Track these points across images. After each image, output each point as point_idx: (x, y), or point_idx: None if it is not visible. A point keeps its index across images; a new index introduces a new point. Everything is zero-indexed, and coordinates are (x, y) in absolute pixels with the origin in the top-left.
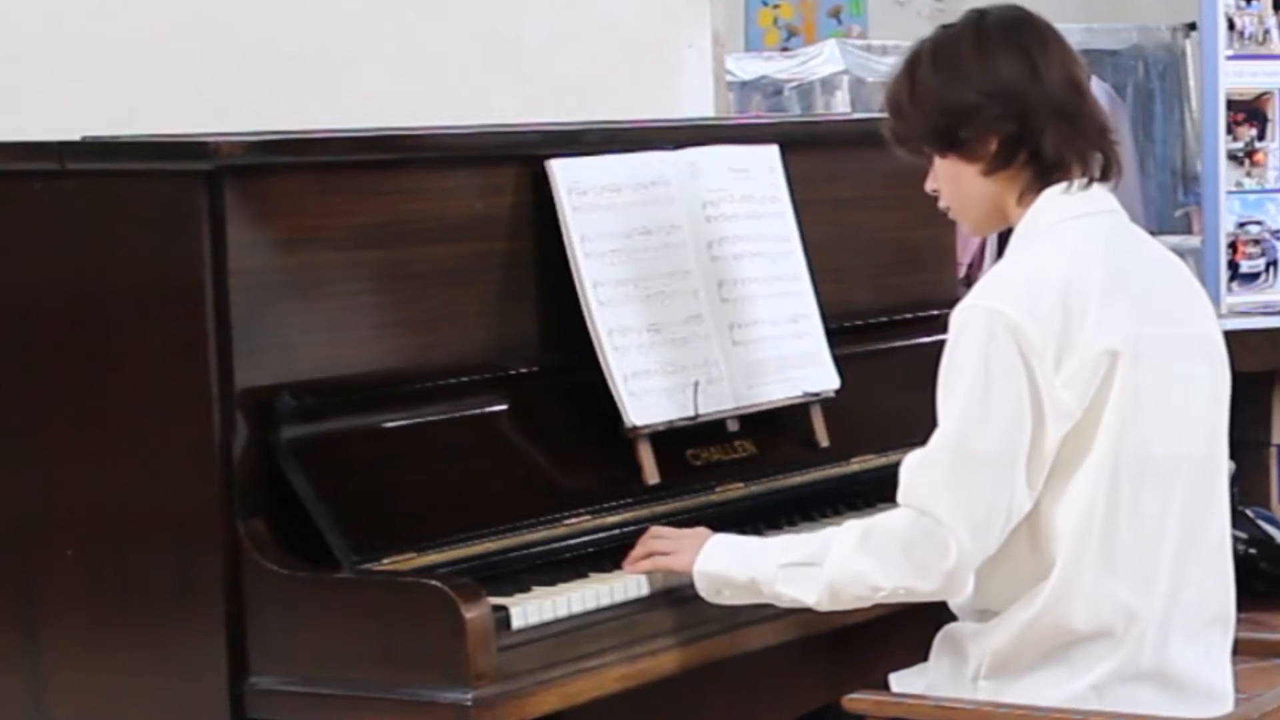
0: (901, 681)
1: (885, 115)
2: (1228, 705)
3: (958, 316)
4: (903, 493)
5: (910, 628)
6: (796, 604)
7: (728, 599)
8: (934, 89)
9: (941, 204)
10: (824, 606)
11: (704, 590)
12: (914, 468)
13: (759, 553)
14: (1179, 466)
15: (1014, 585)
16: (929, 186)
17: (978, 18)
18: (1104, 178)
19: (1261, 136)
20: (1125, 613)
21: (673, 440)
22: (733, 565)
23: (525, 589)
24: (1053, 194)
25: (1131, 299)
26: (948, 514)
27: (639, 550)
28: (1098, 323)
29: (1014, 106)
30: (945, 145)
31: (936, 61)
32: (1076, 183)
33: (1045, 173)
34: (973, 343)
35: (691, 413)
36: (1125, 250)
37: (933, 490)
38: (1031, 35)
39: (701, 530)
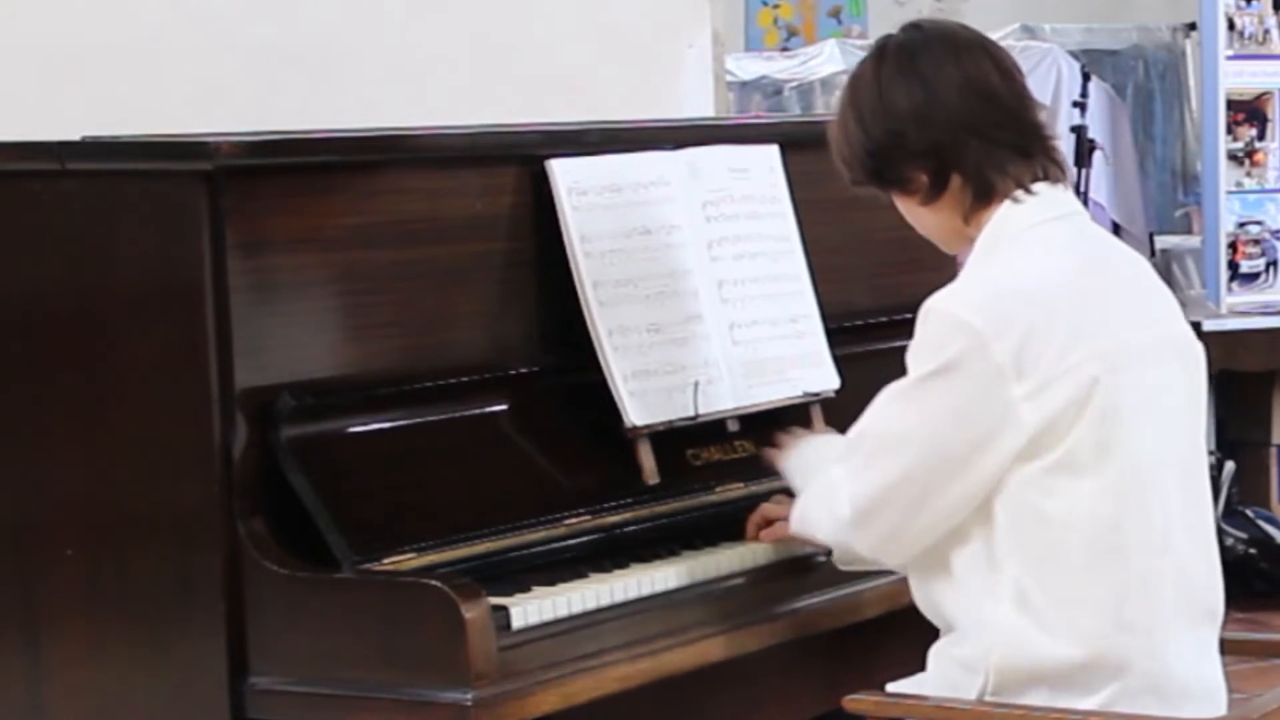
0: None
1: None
2: (1220, 700)
3: (926, 314)
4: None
5: (910, 633)
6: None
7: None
8: (853, 133)
9: None
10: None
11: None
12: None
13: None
14: (1169, 472)
15: (1019, 605)
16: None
17: (879, 49)
18: (1047, 178)
19: (1261, 136)
20: (1132, 626)
21: (673, 440)
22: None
23: (525, 589)
24: (1005, 207)
25: (1102, 307)
26: (848, 485)
27: (766, 525)
28: (1072, 336)
29: (921, 137)
30: (880, 184)
31: (852, 103)
32: (1020, 192)
33: (982, 193)
34: (933, 343)
35: (691, 413)
36: (1091, 255)
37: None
38: (926, 56)
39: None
